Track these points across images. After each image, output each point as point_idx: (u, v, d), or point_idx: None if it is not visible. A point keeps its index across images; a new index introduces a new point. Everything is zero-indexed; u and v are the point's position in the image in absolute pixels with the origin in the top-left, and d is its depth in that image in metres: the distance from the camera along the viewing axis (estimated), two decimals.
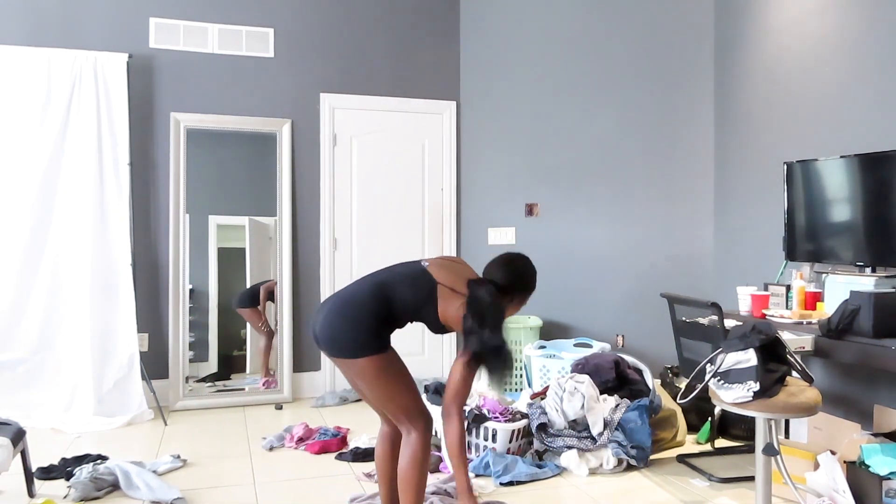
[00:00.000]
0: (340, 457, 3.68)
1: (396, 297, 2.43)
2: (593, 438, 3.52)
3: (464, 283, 2.46)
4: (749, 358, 2.63)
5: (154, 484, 3.12)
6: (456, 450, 2.47)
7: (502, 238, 5.24)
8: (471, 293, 2.42)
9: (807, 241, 3.92)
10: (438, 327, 2.51)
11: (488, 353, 2.40)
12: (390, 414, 2.50)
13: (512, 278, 2.55)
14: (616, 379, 3.83)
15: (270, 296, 4.91)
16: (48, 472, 3.34)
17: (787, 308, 3.79)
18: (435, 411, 3.78)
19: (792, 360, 2.78)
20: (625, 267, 5.21)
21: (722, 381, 2.70)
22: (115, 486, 3.16)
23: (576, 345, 4.76)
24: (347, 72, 5.10)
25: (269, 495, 3.16)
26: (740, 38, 4.83)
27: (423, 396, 3.94)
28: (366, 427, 4.21)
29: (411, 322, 2.50)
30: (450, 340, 5.31)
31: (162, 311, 4.74)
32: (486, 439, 3.53)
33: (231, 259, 4.89)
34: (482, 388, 4.19)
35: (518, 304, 2.62)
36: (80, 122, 4.43)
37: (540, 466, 3.44)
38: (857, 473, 2.82)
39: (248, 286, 4.92)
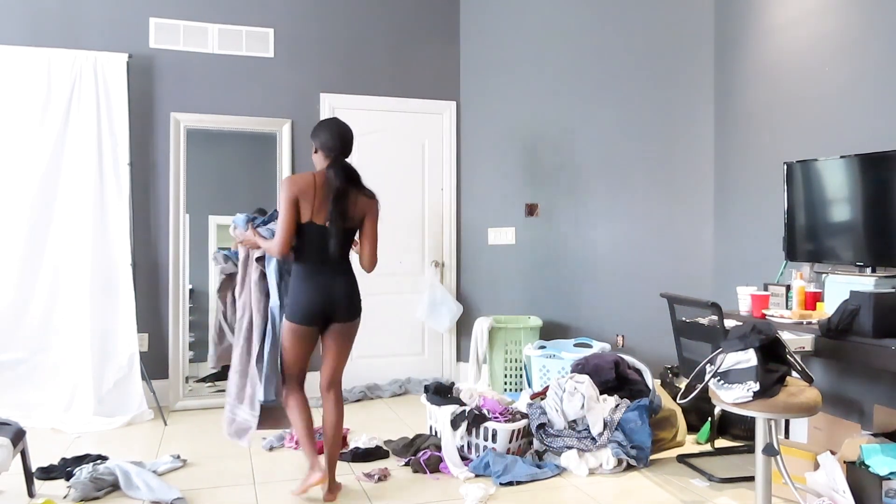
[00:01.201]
0: (340, 457, 3.67)
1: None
2: (593, 438, 3.51)
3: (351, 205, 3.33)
4: (749, 358, 2.63)
5: (154, 484, 3.12)
6: None
7: (502, 238, 5.24)
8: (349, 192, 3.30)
9: (807, 241, 3.92)
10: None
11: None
12: (342, 368, 3.17)
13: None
14: (616, 379, 3.82)
15: None
16: (48, 472, 3.34)
17: (787, 308, 3.79)
18: (435, 411, 3.79)
19: (792, 360, 2.78)
20: (625, 267, 5.21)
21: (722, 381, 2.70)
22: (115, 486, 3.16)
23: (576, 345, 4.76)
24: (347, 72, 5.10)
25: (269, 495, 3.16)
26: (740, 39, 4.82)
27: (423, 397, 3.95)
28: (366, 427, 4.21)
29: None
30: (450, 340, 5.31)
31: (162, 311, 4.74)
32: (486, 439, 3.53)
33: None
34: (482, 389, 4.19)
35: (317, 152, 3.20)
36: (80, 122, 4.43)
37: (540, 466, 3.43)
38: (857, 473, 2.81)
39: None
